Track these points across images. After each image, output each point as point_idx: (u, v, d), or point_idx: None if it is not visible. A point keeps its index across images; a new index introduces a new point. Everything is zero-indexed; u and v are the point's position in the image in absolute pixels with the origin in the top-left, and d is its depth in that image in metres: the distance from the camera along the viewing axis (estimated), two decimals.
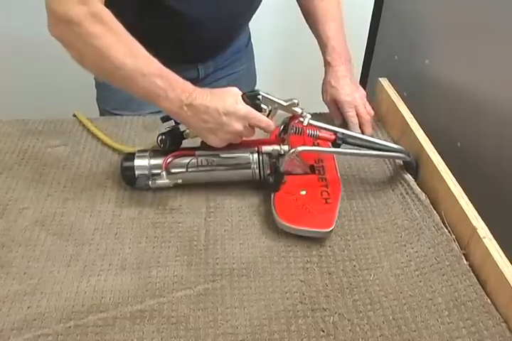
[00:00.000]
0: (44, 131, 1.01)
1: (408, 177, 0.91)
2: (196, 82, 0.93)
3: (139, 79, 0.76)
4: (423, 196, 0.87)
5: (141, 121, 1.03)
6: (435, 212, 0.84)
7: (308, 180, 0.87)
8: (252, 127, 0.80)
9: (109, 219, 0.83)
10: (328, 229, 0.78)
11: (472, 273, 0.74)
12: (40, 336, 0.65)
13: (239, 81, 1.12)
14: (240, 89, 0.81)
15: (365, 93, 1.05)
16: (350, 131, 0.92)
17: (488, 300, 0.70)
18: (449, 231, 0.80)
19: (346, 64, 1.03)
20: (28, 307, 0.69)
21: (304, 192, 0.84)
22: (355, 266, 0.76)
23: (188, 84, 0.78)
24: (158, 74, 0.76)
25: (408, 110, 0.99)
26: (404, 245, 0.80)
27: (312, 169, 0.89)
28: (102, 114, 1.18)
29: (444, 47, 1.13)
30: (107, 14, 0.76)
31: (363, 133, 1.01)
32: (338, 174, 0.89)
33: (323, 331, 0.67)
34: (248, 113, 0.78)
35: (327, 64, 1.04)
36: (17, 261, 0.75)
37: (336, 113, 1.04)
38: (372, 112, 1.04)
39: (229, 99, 0.78)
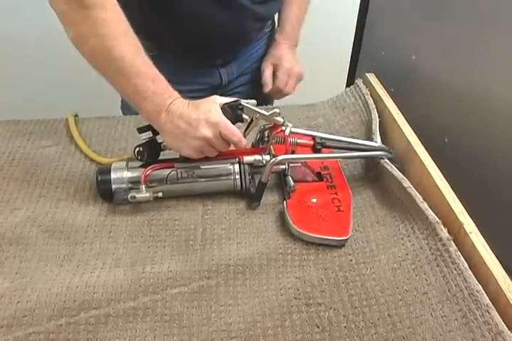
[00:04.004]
0: (35, 131, 1.00)
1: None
2: (220, 89, 1.12)
3: (132, 76, 0.74)
4: (406, 183, 0.82)
5: (133, 121, 1.02)
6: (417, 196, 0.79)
7: (317, 188, 0.86)
8: (224, 140, 0.78)
9: (102, 217, 0.82)
10: (345, 237, 0.78)
11: (462, 259, 0.70)
12: (31, 334, 0.64)
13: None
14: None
15: (302, 72, 1.15)
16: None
17: (477, 287, 0.66)
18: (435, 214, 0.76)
19: (291, 47, 1.13)
20: (18, 302, 0.68)
21: (314, 200, 0.83)
22: (351, 260, 0.76)
23: (175, 92, 0.78)
24: (152, 76, 0.75)
25: (395, 105, 0.99)
26: (402, 238, 0.78)
27: (319, 176, 0.89)
28: None
29: (430, 42, 1.13)
30: (116, 5, 0.74)
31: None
32: (346, 180, 0.88)
33: (318, 327, 0.67)
34: (220, 121, 0.76)
35: (274, 41, 1.14)
36: (9, 261, 0.74)
37: (268, 79, 1.12)
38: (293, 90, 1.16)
39: (204, 106, 0.77)
